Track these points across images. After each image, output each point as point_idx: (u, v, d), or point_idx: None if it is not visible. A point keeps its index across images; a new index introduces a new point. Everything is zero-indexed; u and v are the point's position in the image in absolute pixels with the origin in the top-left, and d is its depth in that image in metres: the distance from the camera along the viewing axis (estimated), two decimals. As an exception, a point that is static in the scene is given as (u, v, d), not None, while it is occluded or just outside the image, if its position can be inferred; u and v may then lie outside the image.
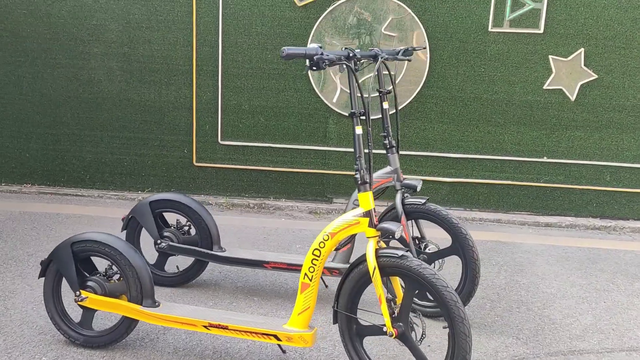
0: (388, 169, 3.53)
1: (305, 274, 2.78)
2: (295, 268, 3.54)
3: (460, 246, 3.33)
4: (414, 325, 2.68)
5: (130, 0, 5.23)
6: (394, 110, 3.45)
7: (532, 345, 3.26)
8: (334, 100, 5.23)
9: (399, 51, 3.58)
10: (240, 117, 5.36)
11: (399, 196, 3.45)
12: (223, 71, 5.27)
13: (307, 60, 2.62)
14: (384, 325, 2.64)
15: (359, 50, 3.33)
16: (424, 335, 2.67)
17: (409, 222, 3.46)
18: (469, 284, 3.33)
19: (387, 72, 3.30)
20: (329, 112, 5.28)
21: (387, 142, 3.49)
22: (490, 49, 5.08)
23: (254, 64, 5.24)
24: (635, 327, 3.52)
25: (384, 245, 2.72)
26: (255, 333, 2.81)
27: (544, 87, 5.11)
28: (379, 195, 3.62)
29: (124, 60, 5.33)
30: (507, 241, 4.84)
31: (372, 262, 2.64)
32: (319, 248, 2.76)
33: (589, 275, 4.24)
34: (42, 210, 5.10)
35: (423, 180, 5.26)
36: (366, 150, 2.75)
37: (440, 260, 3.45)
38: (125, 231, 3.79)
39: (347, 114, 5.24)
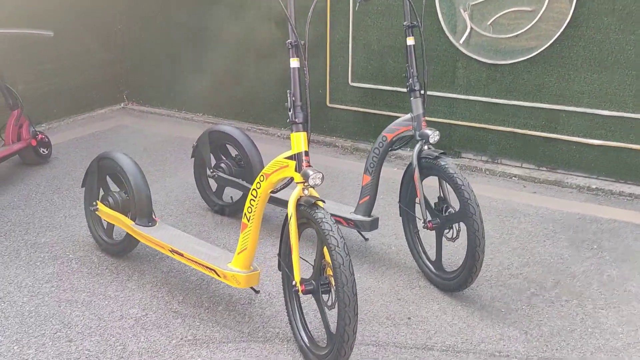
0: (408, 115, 3.09)
1: (245, 214, 2.68)
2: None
3: (463, 212, 2.79)
4: (331, 288, 2.40)
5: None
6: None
7: (536, 344, 2.63)
8: (461, 41, 4.65)
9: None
10: (369, 58, 5.15)
11: (417, 148, 3.02)
12: (353, 7, 5.08)
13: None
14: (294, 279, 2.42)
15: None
16: (334, 302, 2.37)
17: (436, 179, 3.02)
18: (470, 259, 2.79)
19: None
20: (457, 55, 4.72)
21: (409, 84, 3.06)
22: (661, -24, 3.91)
23: (383, 0, 4.93)
24: None
25: (313, 192, 2.46)
26: (202, 265, 2.83)
27: None
28: (401, 145, 3.22)
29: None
30: (642, 224, 3.83)
31: (290, 209, 2.42)
32: (255, 189, 2.63)
33: None
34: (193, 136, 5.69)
35: (564, 140, 4.46)
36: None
37: (456, 225, 2.95)
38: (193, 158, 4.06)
39: (477, 58, 4.62)
